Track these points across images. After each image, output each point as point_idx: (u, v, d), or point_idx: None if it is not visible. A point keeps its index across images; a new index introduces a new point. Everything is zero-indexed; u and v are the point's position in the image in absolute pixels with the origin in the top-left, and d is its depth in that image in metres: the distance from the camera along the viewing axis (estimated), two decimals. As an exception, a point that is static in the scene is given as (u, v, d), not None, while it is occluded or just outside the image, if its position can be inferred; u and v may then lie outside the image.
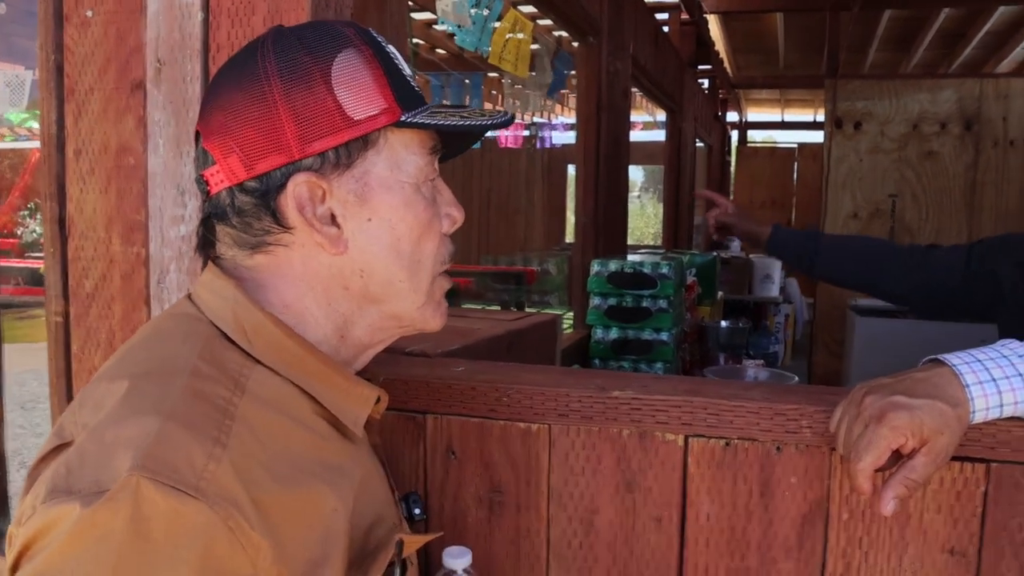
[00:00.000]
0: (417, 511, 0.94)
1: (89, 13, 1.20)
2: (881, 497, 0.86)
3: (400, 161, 0.81)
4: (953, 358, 0.90)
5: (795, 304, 5.70)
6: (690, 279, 3.56)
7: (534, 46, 3.28)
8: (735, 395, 1.01)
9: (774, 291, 5.14)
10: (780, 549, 1.00)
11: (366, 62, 0.78)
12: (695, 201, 6.17)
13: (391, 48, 0.82)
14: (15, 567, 0.63)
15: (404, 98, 0.80)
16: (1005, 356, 0.90)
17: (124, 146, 1.20)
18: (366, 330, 0.84)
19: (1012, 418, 0.90)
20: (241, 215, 0.78)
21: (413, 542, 0.83)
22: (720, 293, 4.38)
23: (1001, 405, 0.88)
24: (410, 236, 0.82)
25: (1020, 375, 0.88)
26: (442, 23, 2.58)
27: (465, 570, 0.95)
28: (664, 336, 2.95)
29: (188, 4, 1.13)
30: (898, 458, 0.87)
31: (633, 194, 19.05)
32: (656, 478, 1.03)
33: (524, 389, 1.06)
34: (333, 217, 0.79)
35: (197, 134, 0.81)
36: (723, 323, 3.82)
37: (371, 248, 0.80)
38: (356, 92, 0.77)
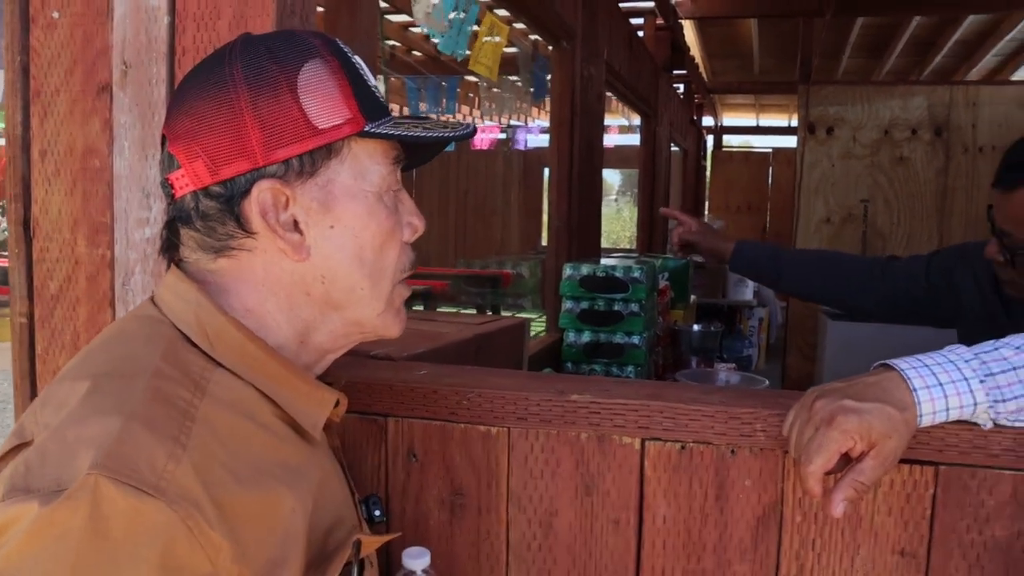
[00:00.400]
0: (377, 513, 0.95)
1: (55, 15, 1.20)
2: (831, 499, 0.88)
3: (363, 170, 0.82)
4: (902, 363, 0.92)
5: (769, 308, 5.74)
6: (662, 283, 3.58)
7: (513, 49, 3.30)
8: (692, 399, 1.03)
9: (748, 295, 5.17)
10: (735, 551, 1.02)
11: (332, 73, 0.80)
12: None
13: (357, 59, 0.84)
14: None
15: (368, 109, 0.81)
16: (952, 361, 0.92)
17: (90, 148, 1.20)
18: (327, 336, 0.86)
19: (958, 421, 0.92)
20: (205, 219, 0.79)
21: (371, 542, 0.84)
22: (693, 297, 4.41)
23: (947, 409, 0.90)
24: (372, 244, 0.83)
25: (965, 379, 0.90)
26: (422, 28, 2.59)
27: (424, 570, 0.96)
28: (636, 340, 2.96)
29: (155, 7, 1.14)
30: (848, 461, 0.89)
31: (610, 198, 19.11)
32: (614, 481, 1.04)
33: (485, 392, 1.07)
34: (296, 224, 0.80)
35: (163, 138, 0.82)
36: (695, 327, 3.84)
37: (334, 255, 0.81)
38: (321, 102, 0.79)
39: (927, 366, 0.91)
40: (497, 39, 2.94)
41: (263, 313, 0.82)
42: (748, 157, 8.91)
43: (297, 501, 0.76)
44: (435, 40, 2.48)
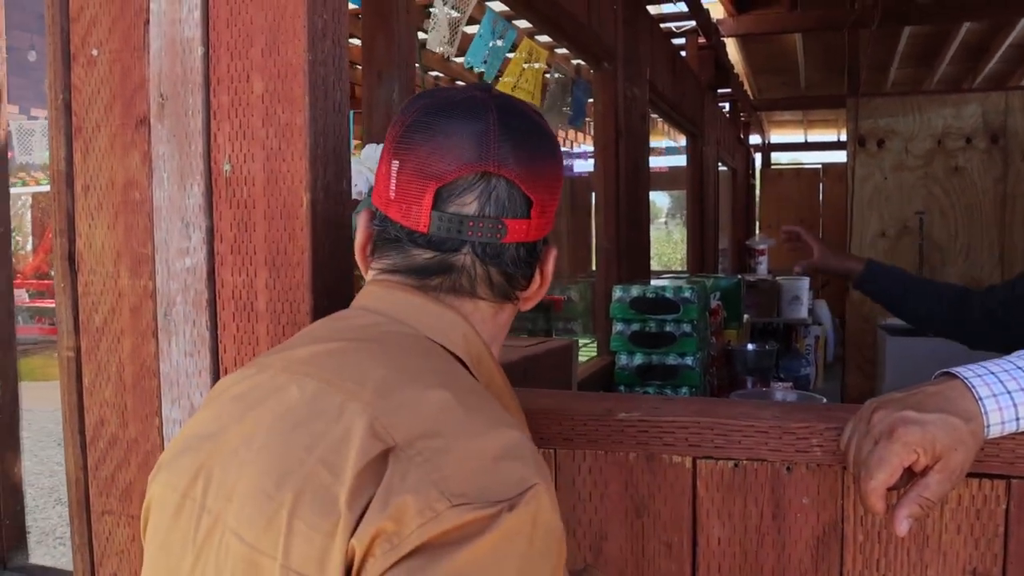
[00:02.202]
0: None
1: (95, 52, 1.22)
2: (895, 516, 0.83)
3: None
4: (965, 371, 0.87)
5: (825, 325, 5.63)
6: (714, 303, 3.52)
7: (553, 75, 3.30)
8: (744, 415, 0.99)
9: (803, 312, 5.07)
10: (795, 573, 0.97)
11: None
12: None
13: None
14: (394, 563, 0.64)
15: None
16: (1020, 368, 0.87)
17: (130, 181, 1.21)
18: None
19: (1029, 432, 0.87)
20: (517, 266, 0.86)
21: None
22: (746, 316, 4.34)
23: (1017, 418, 0.85)
24: None
25: (1035, 387, 0.85)
26: (467, 62, 2.60)
27: None
28: (689, 361, 2.92)
29: (189, 39, 1.14)
30: (911, 476, 0.84)
31: (660, 220, 19.00)
32: (665, 502, 1.01)
33: (529, 412, 1.04)
34: None
35: (489, 175, 0.82)
36: (750, 346, 3.77)
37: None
38: None
39: (993, 373, 0.87)
40: (537, 65, 2.94)
41: (495, 349, 0.89)
42: (798, 174, 8.79)
43: None
44: (458, 60, 2.50)
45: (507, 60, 2.79)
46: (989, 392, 0.85)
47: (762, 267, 5.69)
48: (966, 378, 0.86)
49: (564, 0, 2.63)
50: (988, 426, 0.84)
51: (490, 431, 0.72)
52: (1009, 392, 0.85)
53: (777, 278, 5.20)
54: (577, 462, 1.04)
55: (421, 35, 3.16)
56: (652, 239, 4.30)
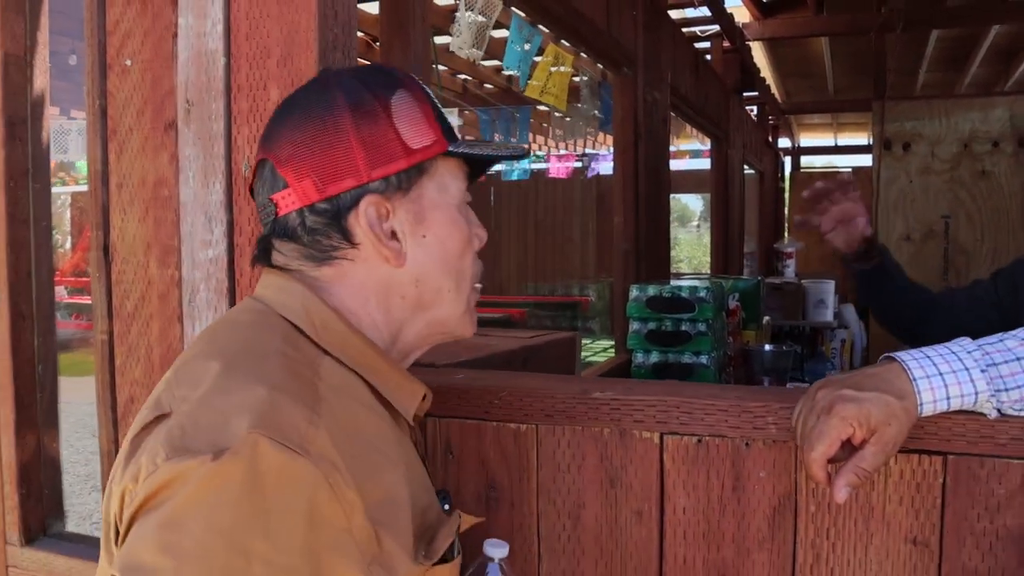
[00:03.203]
0: (446, 507, 1.02)
1: (128, 62, 1.34)
2: (834, 485, 0.92)
3: (446, 185, 0.94)
4: (904, 355, 0.96)
5: (852, 329, 5.63)
6: (733, 303, 3.58)
7: (580, 78, 3.38)
8: (708, 394, 1.08)
9: (828, 316, 5.09)
10: (753, 540, 1.06)
11: (417, 100, 0.92)
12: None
13: (430, 90, 0.96)
14: (133, 518, 0.72)
15: (447, 132, 0.94)
16: (954, 352, 0.95)
17: (160, 179, 1.33)
18: (414, 336, 0.96)
19: (965, 411, 0.95)
20: (311, 233, 0.89)
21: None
22: (767, 318, 4.38)
23: (948, 398, 0.93)
24: (455, 251, 0.94)
25: (966, 369, 0.93)
26: (507, 67, 2.70)
27: (501, 560, 1.02)
28: (704, 360, 2.98)
29: (213, 51, 1.26)
30: (854, 450, 0.93)
31: (692, 224, 18.93)
32: (636, 474, 1.10)
33: (514, 392, 1.15)
34: (394, 233, 0.91)
35: (262, 161, 0.92)
36: (767, 347, 3.82)
37: (426, 261, 0.92)
38: (412, 125, 0.90)
39: (928, 357, 0.95)
40: (563, 68, 3.03)
41: (363, 314, 0.91)
42: (826, 177, 8.77)
43: (400, 476, 0.85)
44: (487, 64, 2.59)
45: (535, 64, 2.89)
46: (923, 374, 0.93)
47: (790, 270, 5.71)
48: (903, 361, 0.95)
49: (583, 7, 2.71)
50: (921, 404, 0.93)
51: (238, 390, 0.75)
52: (941, 374, 0.93)
53: (803, 281, 5.24)
54: (557, 437, 1.13)
55: (447, 39, 3.27)
56: (683, 242, 4.37)
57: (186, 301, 1.31)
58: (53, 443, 1.63)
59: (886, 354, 0.99)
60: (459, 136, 0.97)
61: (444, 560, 0.87)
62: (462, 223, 0.95)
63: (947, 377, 0.93)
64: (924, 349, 0.97)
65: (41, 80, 1.58)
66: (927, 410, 0.93)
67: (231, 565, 0.67)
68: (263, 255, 0.94)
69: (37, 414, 1.60)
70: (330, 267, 0.90)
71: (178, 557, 0.67)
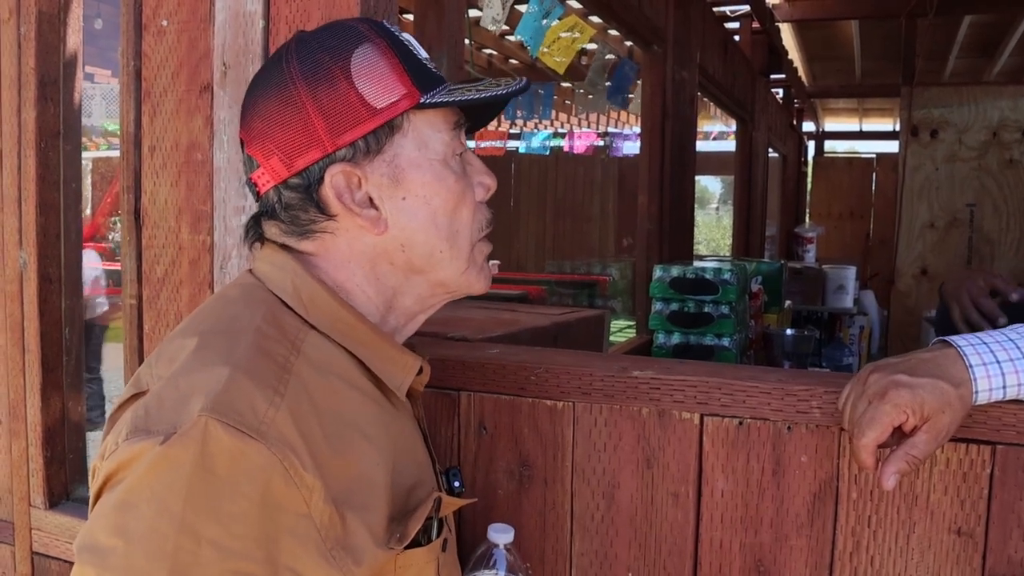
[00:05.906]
0: (456, 484, 1.00)
1: (165, 23, 1.32)
2: (883, 471, 0.89)
3: (426, 140, 0.88)
4: (960, 340, 0.93)
5: (871, 316, 5.59)
6: (756, 287, 3.55)
7: (592, 46, 3.31)
8: (750, 376, 1.06)
9: (847, 302, 5.06)
10: (792, 526, 1.04)
11: (381, 53, 0.86)
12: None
13: (406, 36, 0.90)
14: (98, 495, 0.73)
15: (422, 81, 0.87)
16: (1011, 339, 0.92)
17: (193, 143, 1.31)
18: (414, 299, 0.93)
19: (1016, 400, 0.92)
20: (288, 210, 0.87)
21: (449, 503, 0.91)
22: (788, 303, 4.35)
23: (1004, 387, 0.90)
24: (444, 208, 0.89)
25: (1024, 358, 0.91)
26: (518, 35, 2.66)
27: (507, 546, 1.01)
28: (726, 342, 2.96)
29: (251, 13, 1.23)
30: (903, 436, 0.90)
31: (711, 206, 18.82)
32: (674, 455, 1.08)
33: (552, 369, 1.13)
34: (371, 200, 0.87)
35: (241, 142, 0.90)
36: (788, 331, 3.80)
37: (409, 224, 0.88)
38: (375, 82, 0.85)
39: (985, 343, 0.92)
40: (575, 35, 2.97)
41: (352, 286, 0.89)
42: (851, 163, 8.67)
43: (379, 455, 0.83)
44: (511, 39, 2.55)
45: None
46: (980, 361, 0.91)
47: (810, 255, 5.67)
48: (960, 347, 0.92)
49: (614, -19, 2.68)
50: (976, 392, 0.90)
51: (202, 370, 0.75)
52: (999, 362, 0.90)
53: (823, 267, 5.19)
54: (594, 415, 1.11)
55: (475, 12, 3.23)
56: (702, 224, 4.33)
57: (218, 267, 1.30)
58: (78, 407, 1.62)
59: (940, 337, 0.96)
60: (446, 82, 0.89)
61: (417, 543, 0.84)
62: (449, 178, 0.89)
63: (1004, 365, 0.90)
64: (980, 335, 0.94)
65: (74, 40, 1.56)
66: (982, 399, 0.90)
67: (181, 548, 0.67)
68: (253, 234, 0.92)
69: (63, 377, 1.59)
70: (311, 241, 0.88)
71: (129, 539, 0.68)
